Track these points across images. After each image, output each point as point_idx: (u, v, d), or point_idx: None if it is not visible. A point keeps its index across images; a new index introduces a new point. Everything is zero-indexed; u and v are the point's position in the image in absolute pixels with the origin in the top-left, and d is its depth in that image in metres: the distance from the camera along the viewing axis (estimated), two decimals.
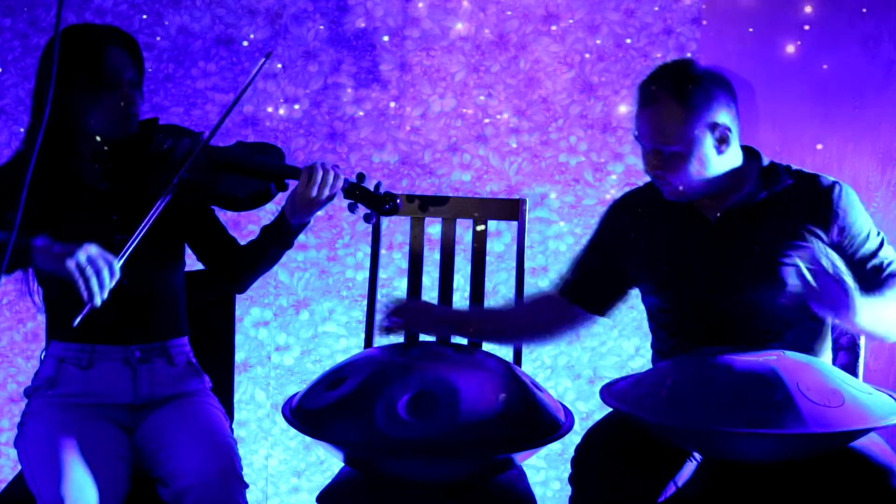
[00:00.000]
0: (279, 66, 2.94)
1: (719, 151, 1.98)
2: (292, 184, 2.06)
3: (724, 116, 1.97)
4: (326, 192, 2.00)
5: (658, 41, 2.91)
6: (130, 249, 1.88)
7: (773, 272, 1.99)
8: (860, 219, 2.02)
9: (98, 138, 2.03)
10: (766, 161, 2.07)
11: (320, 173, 1.99)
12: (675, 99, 1.95)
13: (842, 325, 1.88)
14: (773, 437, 1.66)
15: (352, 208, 2.03)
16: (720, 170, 2.00)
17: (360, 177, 2.06)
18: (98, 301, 1.78)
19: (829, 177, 2.05)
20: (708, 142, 1.97)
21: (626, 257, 2.16)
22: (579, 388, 2.99)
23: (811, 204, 2.01)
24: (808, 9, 2.81)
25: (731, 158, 2.02)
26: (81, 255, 1.78)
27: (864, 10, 2.78)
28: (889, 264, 2.02)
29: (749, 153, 2.08)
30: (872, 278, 2.00)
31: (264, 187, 2.04)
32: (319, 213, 2.09)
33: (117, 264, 1.81)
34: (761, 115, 2.83)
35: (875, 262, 2.02)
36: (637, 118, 2.01)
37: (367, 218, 2.03)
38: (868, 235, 2.02)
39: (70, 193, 2.04)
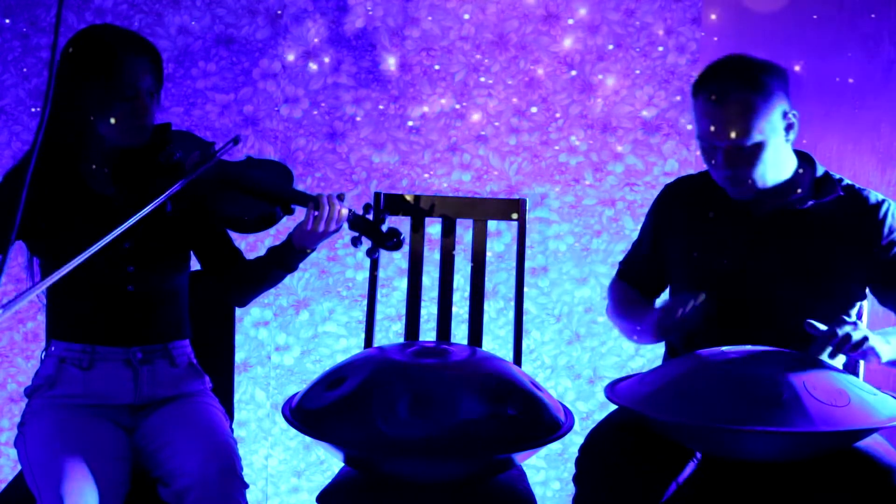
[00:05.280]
0: (279, 66, 2.94)
1: (787, 139, 2.01)
2: (298, 208, 2.07)
3: (787, 103, 2.00)
4: (332, 226, 2.01)
5: (658, 41, 2.91)
6: (22, 300, 1.75)
7: (805, 281, 2.02)
8: None
9: (109, 145, 2.03)
10: (820, 171, 2.09)
11: (326, 207, 2.00)
12: (749, 91, 1.95)
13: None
14: (780, 436, 1.66)
15: (355, 242, 2.04)
16: (788, 159, 2.03)
17: (366, 208, 2.07)
18: None
19: (878, 194, 2.08)
20: (780, 129, 1.99)
21: (665, 246, 2.20)
22: (579, 388, 2.99)
23: (857, 220, 2.04)
24: (808, 9, 2.80)
25: (791, 151, 2.05)
26: None
27: (865, 10, 2.78)
28: None
29: (804, 159, 2.10)
30: None
31: (270, 211, 2.05)
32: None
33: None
34: None
35: None
36: (707, 119, 1.98)
37: (369, 252, 2.05)
38: None
39: (76, 198, 2.03)
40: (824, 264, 2.03)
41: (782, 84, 1.99)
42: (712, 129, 1.96)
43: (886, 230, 2.04)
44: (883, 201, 2.06)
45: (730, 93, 1.95)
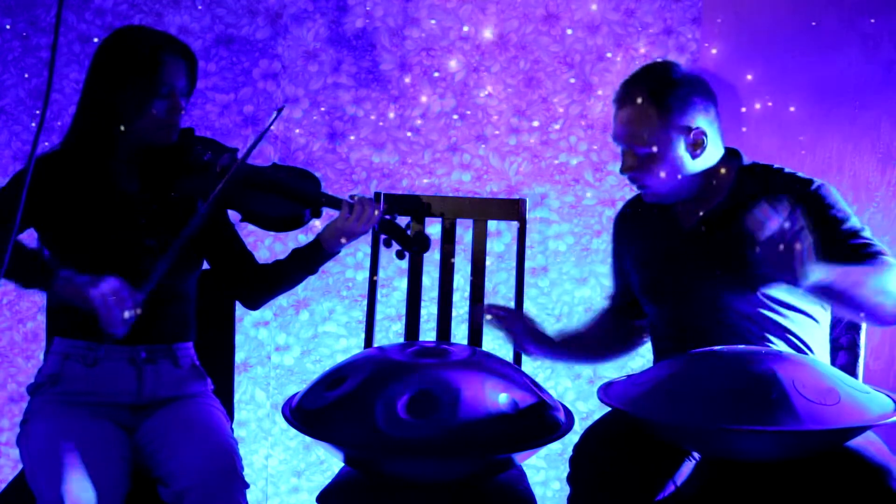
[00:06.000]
0: (279, 66, 2.94)
1: (693, 155, 2.01)
2: (326, 212, 2.11)
3: (699, 121, 1.99)
4: (366, 227, 2.10)
5: (658, 41, 2.91)
6: (155, 281, 1.93)
7: (745, 276, 1.98)
8: (838, 212, 1.96)
9: (137, 142, 2.05)
10: (746, 162, 2.07)
11: (363, 207, 2.08)
12: (649, 101, 1.98)
13: (809, 293, 1.80)
14: (769, 435, 1.66)
15: (387, 243, 2.15)
16: (694, 173, 2.02)
17: (394, 213, 2.16)
18: (120, 332, 1.87)
19: (808, 176, 2.01)
20: (681, 145, 1.99)
21: (626, 268, 2.21)
22: (579, 388, 2.99)
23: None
24: (808, 9, 2.81)
25: (708, 162, 2.03)
26: (105, 286, 1.86)
27: (865, 11, 2.78)
28: (870, 245, 1.94)
29: (730, 154, 2.08)
30: (854, 255, 1.92)
31: (299, 212, 2.10)
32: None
33: (140, 297, 1.89)
34: (761, 115, 2.83)
35: (857, 241, 1.94)
36: (613, 118, 2.05)
37: (398, 255, 2.16)
38: (847, 223, 1.96)
39: (99, 192, 2.04)
40: (755, 261, 1.97)
41: (697, 101, 1.99)
42: (613, 130, 2.04)
43: (812, 209, 1.91)
44: (810, 181, 1.99)
45: (627, 99, 2.00)
